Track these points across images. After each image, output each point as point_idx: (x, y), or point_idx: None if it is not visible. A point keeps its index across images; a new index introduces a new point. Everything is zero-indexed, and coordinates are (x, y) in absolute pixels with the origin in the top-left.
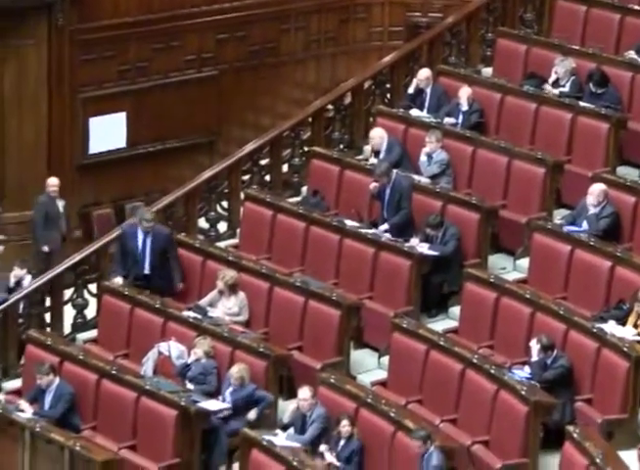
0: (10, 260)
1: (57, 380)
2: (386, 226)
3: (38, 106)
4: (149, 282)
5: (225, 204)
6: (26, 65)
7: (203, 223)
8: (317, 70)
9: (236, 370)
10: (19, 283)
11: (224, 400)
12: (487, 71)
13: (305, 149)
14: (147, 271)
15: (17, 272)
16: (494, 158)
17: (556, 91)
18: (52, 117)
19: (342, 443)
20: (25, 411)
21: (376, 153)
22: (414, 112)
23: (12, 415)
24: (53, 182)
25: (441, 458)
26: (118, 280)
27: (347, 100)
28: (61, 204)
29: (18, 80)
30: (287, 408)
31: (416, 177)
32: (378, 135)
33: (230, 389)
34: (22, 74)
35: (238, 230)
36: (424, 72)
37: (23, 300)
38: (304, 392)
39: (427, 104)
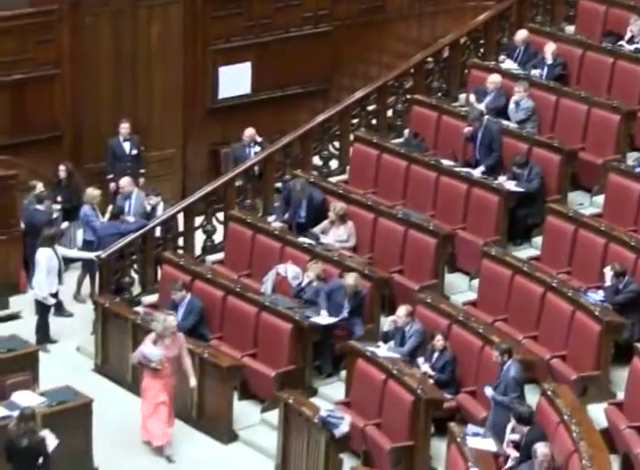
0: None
1: (188, 295)
2: (482, 168)
3: (176, 58)
4: (300, 230)
5: (336, 144)
6: (169, 22)
7: (316, 161)
8: (419, 26)
9: (352, 279)
10: (154, 210)
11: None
12: (570, 29)
13: (408, 96)
14: (302, 220)
15: (152, 200)
16: (575, 106)
17: (631, 47)
18: (187, 67)
19: (436, 355)
20: None
21: (483, 94)
22: (505, 64)
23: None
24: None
25: (519, 370)
26: (277, 224)
27: (445, 54)
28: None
29: (161, 36)
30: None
31: (505, 122)
32: (494, 80)
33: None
34: (165, 31)
35: (347, 167)
36: (522, 33)
37: (160, 225)
38: (402, 310)
39: (518, 58)
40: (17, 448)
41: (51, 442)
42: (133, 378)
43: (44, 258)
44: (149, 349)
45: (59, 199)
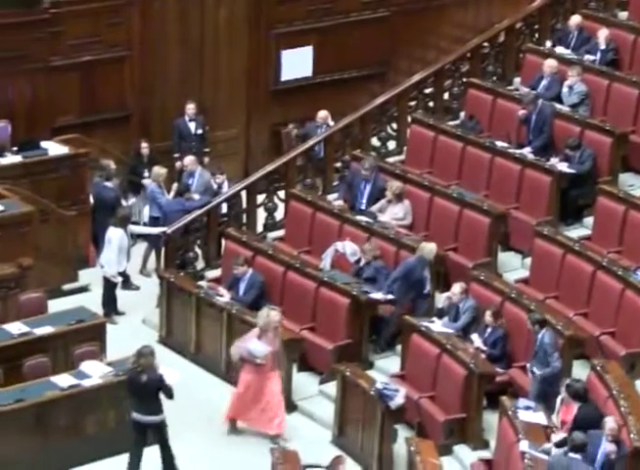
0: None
1: (250, 271)
2: (529, 149)
3: (241, 41)
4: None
5: (394, 125)
6: (234, 7)
7: (375, 141)
8: (475, 12)
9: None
10: (220, 187)
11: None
12: (623, 15)
13: (464, 80)
14: (363, 206)
15: (218, 179)
16: (626, 90)
17: None
18: (251, 50)
19: (488, 330)
20: (224, 296)
21: (538, 80)
22: (559, 49)
23: (212, 299)
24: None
25: (553, 336)
26: (340, 202)
27: (501, 38)
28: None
29: (227, 20)
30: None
31: (558, 106)
32: (550, 65)
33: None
34: (231, 16)
35: (404, 148)
36: (575, 19)
37: (224, 202)
38: (457, 287)
39: (572, 43)
40: (137, 384)
41: (171, 376)
42: (196, 349)
43: (116, 237)
44: (254, 345)
45: (146, 174)
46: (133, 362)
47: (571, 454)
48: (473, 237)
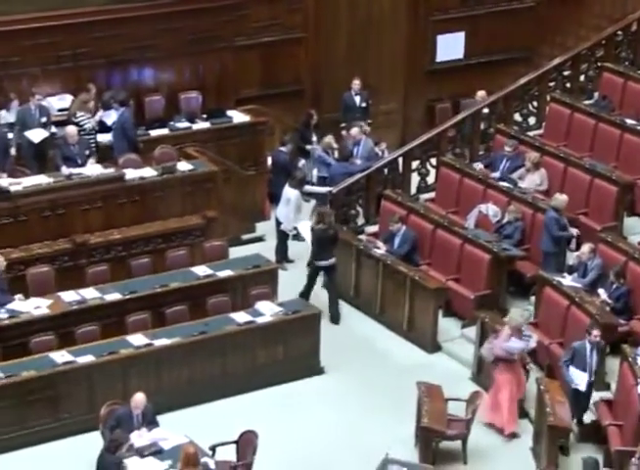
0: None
1: (404, 227)
2: None
3: (402, 26)
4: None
5: (535, 103)
6: None
7: (517, 117)
8: (612, 3)
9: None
10: (382, 154)
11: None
12: None
13: (598, 64)
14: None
15: (382, 146)
16: None
17: None
18: (410, 34)
19: (613, 286)
20: (380, 249)
21: None
22: None
23: (370, 251)
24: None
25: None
26: (479, 165)
27: (634, 27)
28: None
29: (391, 6)
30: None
31: None
32: None
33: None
34: (394, 3)
35: (543, 123)
36: None
37: (383, 167)
38: (586, 247)
39: None
40: (323, 237)
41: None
42: (354, 293)
43: (295, 197)
44: (512, 342)
45: (314, 138)
46: (318, 221)
47: None
48: (602, 203)
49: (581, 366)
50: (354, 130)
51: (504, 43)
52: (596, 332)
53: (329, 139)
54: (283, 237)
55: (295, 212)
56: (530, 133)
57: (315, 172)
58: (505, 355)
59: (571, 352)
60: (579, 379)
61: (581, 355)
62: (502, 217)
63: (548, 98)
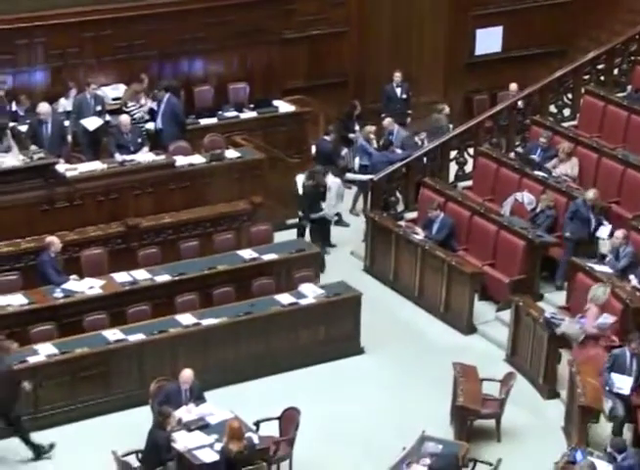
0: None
1: (442, 214)
2: None
3: (442, 21)
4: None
5: (570, 95)
6: None
7: (552, 108)
8: None
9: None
10: (422, 143)
11: None
12: None
13: (632, 58)
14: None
15: (422, 136)
16: None
17: None
18: (450, 28)
19: None
20: (419, 234)
21: None
22: None
23: (409, 237)
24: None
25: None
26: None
27: None
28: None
29: (432, 3)
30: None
31: None
32: None
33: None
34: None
35: (577, 115)
36: None
37: (422, 156)
38: (619, 233)
39: None
40: (315, 192)
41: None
42: (394, 277)
43: (336, 185)
44: (604, 318)
45: (357, 128)
46: (308, 178)
47: None
48: (634, 192)
49: (622, 373)
50: (386, 121)
51: (540, 37)
52: (634, 345)
53: (369, 127)
54: (326, 223)
55: (335, 200)
56: (565, 124)
57: (357, 161)
58: (598, 333)
59: (612, 359)
60: (623, 383)
61: (622, 362)
62: (537, 205)
63: (583, 90)
